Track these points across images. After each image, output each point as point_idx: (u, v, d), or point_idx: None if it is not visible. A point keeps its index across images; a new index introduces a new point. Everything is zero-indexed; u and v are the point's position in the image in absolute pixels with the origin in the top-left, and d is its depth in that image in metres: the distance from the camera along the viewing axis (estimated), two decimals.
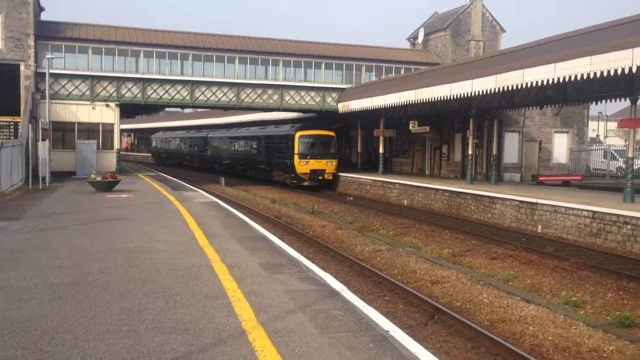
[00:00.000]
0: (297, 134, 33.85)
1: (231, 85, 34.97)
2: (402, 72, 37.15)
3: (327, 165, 34.04)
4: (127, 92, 33.44)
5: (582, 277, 12.76)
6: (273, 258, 10.45)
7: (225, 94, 35.05)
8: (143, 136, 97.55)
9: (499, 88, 20.83)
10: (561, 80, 17.86)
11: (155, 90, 33.91)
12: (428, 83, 26.20)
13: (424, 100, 26.15)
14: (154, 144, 73.42)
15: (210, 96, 34.78)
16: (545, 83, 18.61)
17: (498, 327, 9.14)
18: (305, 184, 33.86)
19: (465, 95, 23.10)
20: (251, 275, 8.95)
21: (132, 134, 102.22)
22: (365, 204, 26.92)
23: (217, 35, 36.33)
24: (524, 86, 19.67)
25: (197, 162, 55.69)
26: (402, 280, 12.10)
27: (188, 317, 6.72)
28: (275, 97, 35.80)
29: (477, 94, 22.45)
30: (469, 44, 37.14)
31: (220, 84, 34.84)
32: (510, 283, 12.15)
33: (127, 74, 33.33)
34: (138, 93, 33.60)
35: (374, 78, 37.62)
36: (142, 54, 33.58)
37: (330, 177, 34.32)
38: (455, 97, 23.80)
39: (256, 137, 40.68)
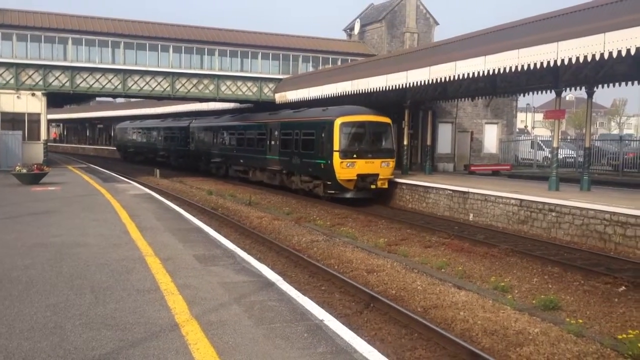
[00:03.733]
0: (338, 121, 22.43)
1: (165, 74, 34.12)
2: (339, 63, 37.31)
3: (382, 168, 22.67)
4: (54, 80, 32.06)
5: (510, 263, 13.24)
6: (208, 250, 10.32)
7: (159, 83, 34.19)
8: (73, 126, 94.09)
9: (432, 79, 21.24)
10: (491, 73, 18.38)
11: (85, 79, 32.68)
12: (364, 74, 26.43)
13: (360, 91, 26.36)
14: (118, 136, 60.95)
15: (144, 86, 33.84)
16: (476, 75, 19.10)
17: (431, 313, 9.36)
18: (348, 195, 22.60)
19: (401, 87, 23.43)
20: (185, 267, 8.80)
21: (61, 125, 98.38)
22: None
23: (150, 23, 35.34)
24: (456, 78, 20.13)
25: (176, 158, 43.98)
26: (338, 270, 12.20)
27: (118, 312, 6.53)
28: (212, 87, 35.22)
29: (411, 85, 22.81)
30: (404, 36, 37.69)
31: (154, 74, 33.93)
32: (443, 270, 12.46)
33: (54, 61, 31.93)
34: (66, 82, 32.28)
35: (311, 69, 37.62)
36: (70, 41, 32.25)
37: (386, 185, 23.01)
38: (390, 88, 24.10)
39: (265, 126, 29.15)
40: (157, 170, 35.34)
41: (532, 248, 14.78)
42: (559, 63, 15.59)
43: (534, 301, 10.06)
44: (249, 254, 10.71)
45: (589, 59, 14.67)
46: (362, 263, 12.64)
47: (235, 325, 6.14)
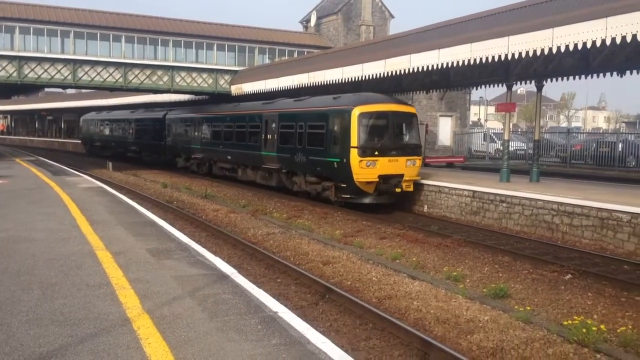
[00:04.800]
0: (357, 111, 18.59)
1: (118, 65, 33.33)
2: (296, 55, 37.23)
3: (408, 168, 19.06)
4: (1, 70, 30.95)
5: (463, 253, 13.50)
6: (162, 244, 10.18)
7: (111, 74, 33.38)
8: (21, 118, 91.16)
9: (388, 72, 21.40)
10: (445, 66, 18.64)
11: (33, 70, 31.64)
12: (320, 66, 26.44)
13: (317, 84, 26.36)
14: (83, 129, 55.90)
15: (95, 76, 32.99)
16: (430, 68, 19.34)
17: (385, 304, 9.47)
18: (367, 200, 19.03)
19: (356, 79, 23.53)
20: (137, 262, 8.66)
21: (9, 116, 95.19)
22: None
23: (101, 12, 34.48)
24: (411, 71, 20.32)
25: (150, 153, 39.87)
26: (294, 262, 12.21)
27: (67, 307, 6.39)
28: (166, 78, 34.63)
29: (367, 77, 22.94)
30: (360, 29, 37.87)
31: (106, 64, 33.10)
32: (397, 261, 12.62)
33: (1, 51, 30.82)
34: (14, 72, 31.19)
35: (267, 61, 37.41)
36: (17, 30, 31.17)
37: (411, 188, 19.36)
38: (346, 80, 24.18)
39: (259, 117, 25.04)
40: (110, 163, 34.59)
41: (483, 238, 15.12)
42: (509, 57, 15.93)
43: (484, 290, 10.29)
44: (204, 247, 10.62)
45: (538, 53, 15.04)
46: (318, 255, 12.68)
47: (188, 319, 6.09)
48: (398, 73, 20.94)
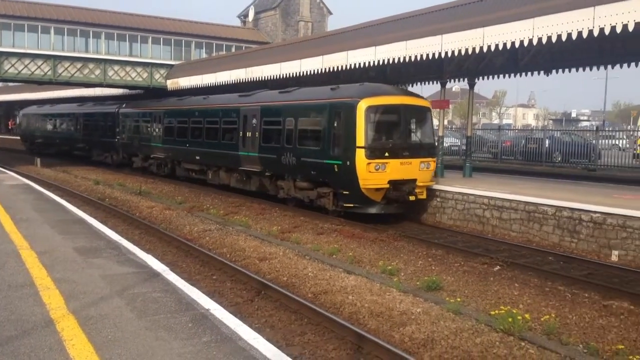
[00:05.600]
0: (364, 104, 15.73)
1: (46, 57, 32.03)
2: (233, 50, 36.85)
3: (421, 172, 16.40)
4: None
5: (398, 247, 13.73)
6: (91, 242, 9.86)
7: (39, 67, 32.05)
8: None
9: (325, 68, 21.48)
10: (381, 63, 18.87)
11: None
12: (259, 62, 26.26)
13: (255, 79, 26.17)
14: (24, 124, 50.89)
15: (22, 69, 31.60)
16: (367, 65, 19.53)
17: (321, 299, 9.52)
18: (374, 210, 16.24)
19: (295, 75, 23.51)
20: (64, 261, 8.36)
21: None
22: None
23: (28, 3, 33.03)
24: (348, 67, 20.47)
25: (101, 152, 35.83)
26: (230, 259, 12.10)
27: None
28: (98, 71, 33.54)
29: (305, 73, 22.94)
30: (298, 25, 37.88)
31: (34, 56, 31.75)
32: (334, 256, 12.68)
33: None
34: None
35: (204, 55, 36.86)
36: None
37: (424, 195, 16.69)
38: (285, 76, 24.11)
39: (236, 112, 21.69)
40: (38, 159, 33.24)
41: (418, 232, 15.42)
42: (443, 55, 16.29)
43: (418, 283, 10.50)
44: (136, 245, 10.37)
45: (470, 51, 15.44)
46: (255, 251, 12.61)
47: (115, 319, 5.92)
48: (336, 69, 21.05)
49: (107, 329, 5.63)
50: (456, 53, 15.83)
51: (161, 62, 35.22)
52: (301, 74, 23.14)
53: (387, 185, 15.72)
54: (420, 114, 17.13)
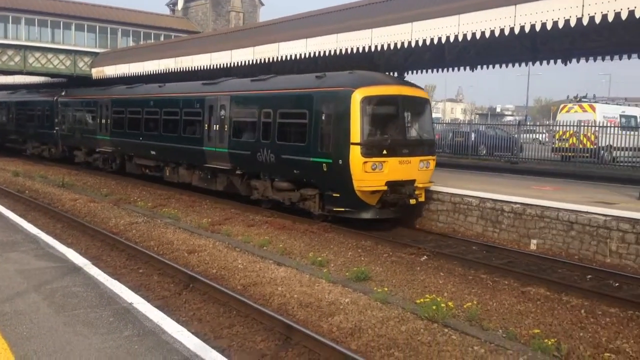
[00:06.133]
0: (359, 94, 13.94)
1: None
2: (162, 38, 35.96)
3: (421, 171, 14.77)
4: None
5: (328, 239, 13.82)
6: (7, 236, 9.41)
7: None
8: None
9: (257, 60, 21.31)
10: (313, 55, 18.91)
11: None
12: (188, 52, 25.73)
13: (185, 69, 25.63)
14: None
15: None
16: (298, 57, 19.52)
17: (250, 291, 9.48)
18: (369, 215, 14.39)
19: (225, 66, 23.20)
20: None
21: None
22: None
23: None
24: (280, 59, 20.39)
25: (37, 144, 32.58)
26: (158, 252, 11.85)
27: None
28: (17, 58, 31.94)
29: (236, 64, 22.68)
30: (230, 15, 37.39)
31: None
32: (264, 248, 12.64)
33: None
34: None
35: (131, 43, 35.78)
36: None
37: (423, 198, 14.94)
38: (215, 67, 23.74)
39: (200, 102, 19.26)
40: None
41: (347, 224, 15.55)
42: (372, 49, 16.48)
43: (347, 273, 10.60)
44: (56, 239, 9.99)
45: (399, 46, 15.70)
46: (184, 244, 12.41)
47: (32, 315, 5.68)
48: (267, 61, 20.92)
49: (22, 325, 5.38)
50: (385, 47, 16.06)
51: (85, 49, 33.93)
52: (232, 65, 22.87)
53: (385, 187, 13.89)
54: (420, 106, 15.34)
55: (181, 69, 25.83)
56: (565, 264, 11.45)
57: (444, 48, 17.62)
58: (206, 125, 18.69)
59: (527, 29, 12.36)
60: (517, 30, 12.57)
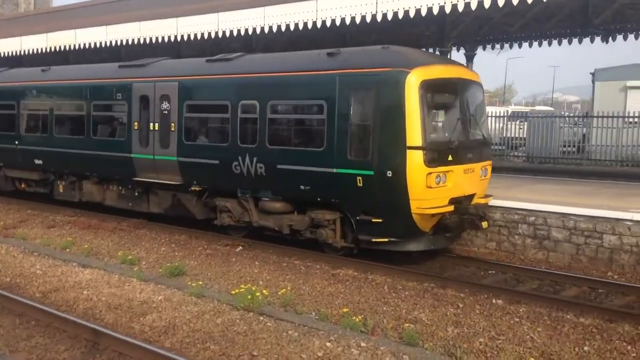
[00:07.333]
0: (415, 77, 9.97)
1: None
2: None
3: (481, 181, 11.38)
4: None
5: (139, 236, 13.27)
6: None
7: None
8: None
9: (50, 47, 19.60)
10: (114, 44, 17.87)
11: None
12: None
13: None
14: None
15: None
16: (99, 45, 18.34)
17: (51, 297, 8.79)
18: (421, 247, 10.72)
19: (14, 54, 21.02)
20: None
21: None
22: None
23: None
24: (78, 47, 18.96)
25: None
26: None
27: None
28: None
29: (27, 52, 20.63)
30: None
31: None
32: (67, 250, 11.81)
33: None
34: None
35: None
36: None
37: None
38: (2, 55, 21.40)
39: (125, 91, 14.16)
40: None
41: (160, 220, 14.93)
42: (179, 39, 16.05)
43: (160, 270, 10.27)
44: None
45: (206, 36, 15.47)
46: None
47: None
48: (62, 49, 19.34)
49: None
50: (192, 37, 15.75)
51: None
52: (23, 53, 20.79)
53: (451, 208, 10.37)
54: (478, 94, 11.76)
55: None
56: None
57: (252, 40, 17.76)
58: (135, 123, 13.79)
59: (328, 24, 12.90)
60: (319, 24, 13.06)
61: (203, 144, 12.97)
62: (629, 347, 7.12)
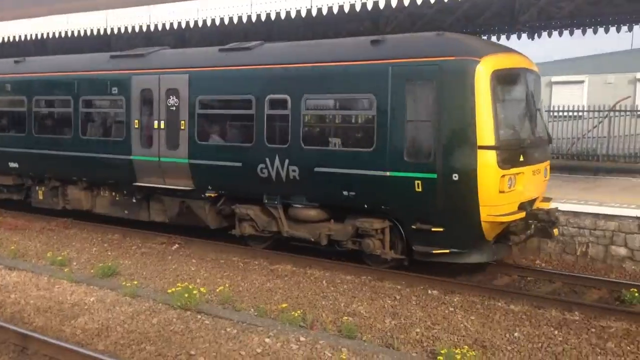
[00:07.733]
0: (485, 67, 8.96)
1: None
2: None
3: (544, 182, 10.55)
4: None
5: (70, 236, 12.86)
6: None
7: None
8: None
9: None
10: (40, 37, 17.19)
11: None
12: None
13: None
14: None
15: None
16: (24, 38, 17.60)
17: None
18: (483, 258, 9.62)
19: None
20: None
21: None
22: None
23: None
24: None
25: None
26: None
27: None
28: None
29: None
30: None
31: None
32: None
33: None
34: None
35: None
36: None
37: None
38: None
39: (122, 86, 12.57)
40: None
41: (91, 219, 14.36)
42: (109, 32, 15.58)
43: (92, 270, 9.97)
44: None
45: (137, 30, 15.07)
46: None
47: None
48: None
49: None
50: (122, 30, 15.31)
51: None
52: None
53: (522, 214, 9.35)
54: (539, 86, 10.78)
55: None
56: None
57: (185, 33, 17.43)
58: (136, 121, 12.30)
59: (263, 18, 12.80)
60: (254, 18, 12.93)
61: (220, 144, 11.48)
62: (555, 332, 7.45)
